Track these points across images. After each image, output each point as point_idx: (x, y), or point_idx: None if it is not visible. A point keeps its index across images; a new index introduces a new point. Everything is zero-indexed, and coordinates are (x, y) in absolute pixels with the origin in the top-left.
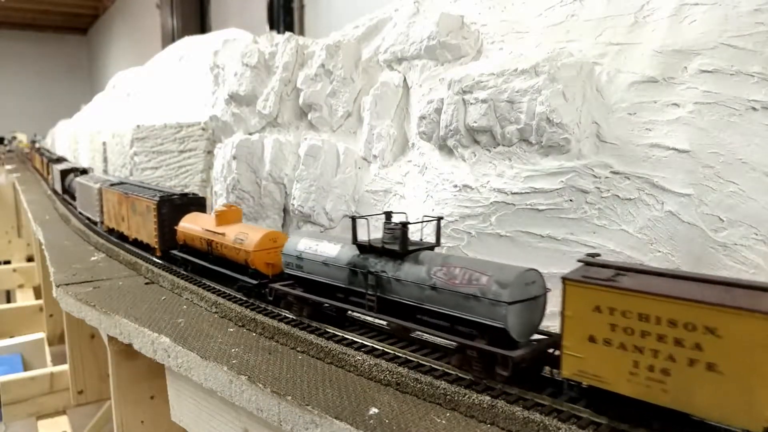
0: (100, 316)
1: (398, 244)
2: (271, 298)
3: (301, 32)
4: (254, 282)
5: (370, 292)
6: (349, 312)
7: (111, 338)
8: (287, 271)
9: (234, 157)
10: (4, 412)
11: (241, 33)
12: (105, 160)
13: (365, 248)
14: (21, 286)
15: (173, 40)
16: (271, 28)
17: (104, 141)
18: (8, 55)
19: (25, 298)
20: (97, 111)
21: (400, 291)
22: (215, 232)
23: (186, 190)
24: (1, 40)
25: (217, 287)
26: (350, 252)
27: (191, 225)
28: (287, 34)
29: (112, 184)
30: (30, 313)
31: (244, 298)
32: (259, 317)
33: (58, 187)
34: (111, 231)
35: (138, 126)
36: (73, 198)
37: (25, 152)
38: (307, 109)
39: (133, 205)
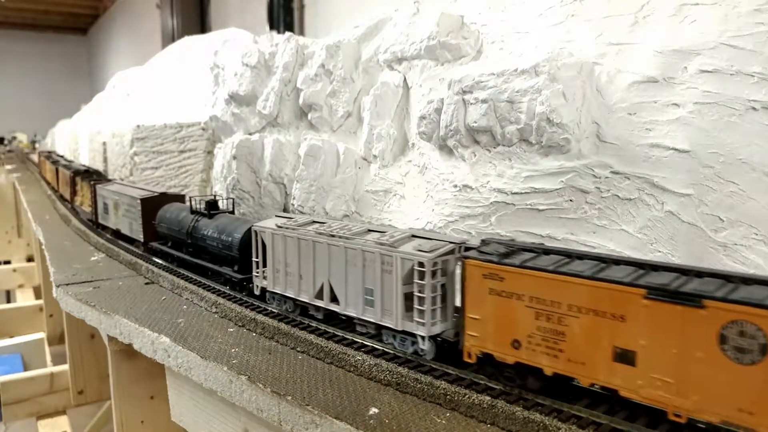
0: (100, 316)
1: None
2: None
3: (301, 32)
4: None
5: None
6: None
7: (111, 338)
8: None
9: (234, 157)
10: (4, 412)
11: (241, 33)
12: (105, 160)
13: None
14: (21, 286)
15: (173, 40)
16: (271, 28)
17: (104, 141)
18: (8, 55)
19: (25, 298)
20: (97, 111)
21: None
22: None
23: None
24: (1, 40)
25: (216, 286)
26: None
27: None
28: (287, 34)
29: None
30: (30, 313)
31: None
32: (259, 317)
33: (127, 227)
34: None
35: (138, 126)
36: (200, 250)
37: (25, 152)
38: (307, 109)
39: None
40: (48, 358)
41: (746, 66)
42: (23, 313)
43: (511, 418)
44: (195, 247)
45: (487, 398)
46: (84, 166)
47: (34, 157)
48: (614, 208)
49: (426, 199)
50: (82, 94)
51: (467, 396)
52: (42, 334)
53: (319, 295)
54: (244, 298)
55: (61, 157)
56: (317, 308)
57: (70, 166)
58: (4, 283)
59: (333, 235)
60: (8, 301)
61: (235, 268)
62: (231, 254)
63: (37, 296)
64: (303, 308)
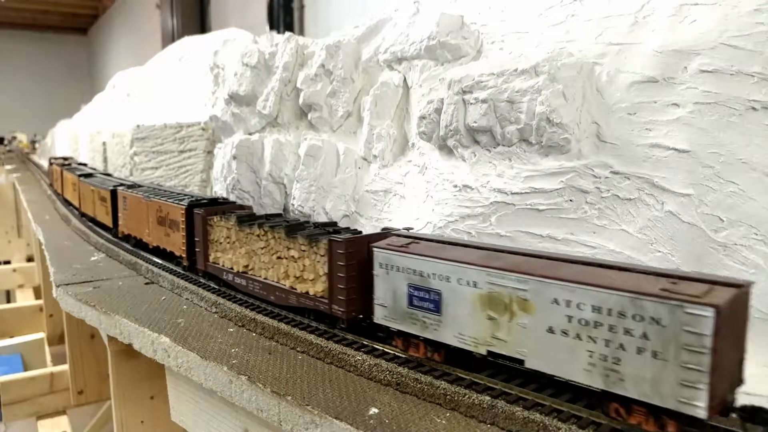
0: (100, 316)
1: None
2: None
3: (301, 32)
4: None
5: None
6: None
7: (111, 338)
8: None
9: (234, 157)
10: (4, 412)
11: (241, 33)
12: (105, 160)
13: None
14: (21, 286)
15: (173, 40)
16: (271, 28)
17: (104, 141)
18: (8, 55)
19: (25, 298)
20: (97, 111)
21: None
22: None
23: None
24: (1, 40)
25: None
26: None
27: None
28: (287, 34)
29: None
30: (30, 313)
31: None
32: (259, 317)
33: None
34: None
35: (138, 126)
36: None
37: (25, 152)
38: (307, 109)
39: None
40: (48, 358)
41: (746, 66)
42: (23, 313)
43: (511, 418)
44: None
45: (487, 398)
46: (194, 194)
47: (35, 158)
48: (614, 208)
49: (426, 199)
50: (82, 94)
51: (467, 396)
52: (42, 334)
53: None
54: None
55: (86, 166)
56: None
57: (157, 190)
58: (4, 283)
59: None
60: (8, 301)
61: None
62: None
63: (37, 296)
64: None
